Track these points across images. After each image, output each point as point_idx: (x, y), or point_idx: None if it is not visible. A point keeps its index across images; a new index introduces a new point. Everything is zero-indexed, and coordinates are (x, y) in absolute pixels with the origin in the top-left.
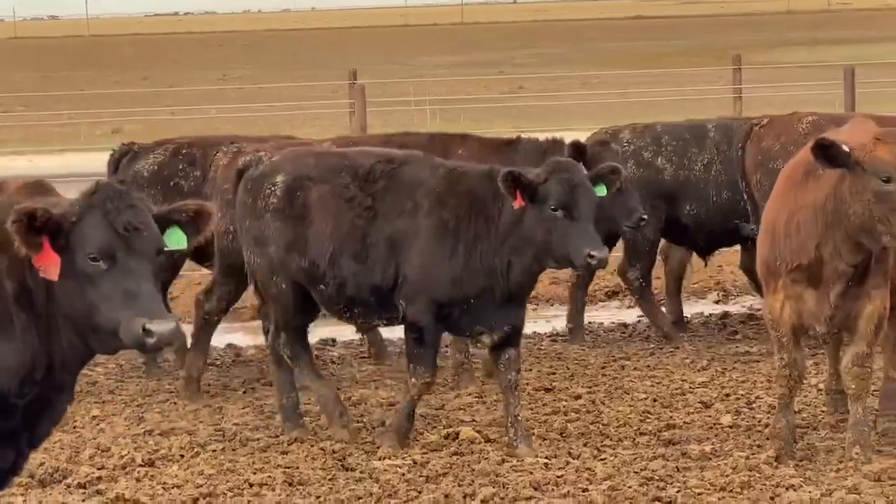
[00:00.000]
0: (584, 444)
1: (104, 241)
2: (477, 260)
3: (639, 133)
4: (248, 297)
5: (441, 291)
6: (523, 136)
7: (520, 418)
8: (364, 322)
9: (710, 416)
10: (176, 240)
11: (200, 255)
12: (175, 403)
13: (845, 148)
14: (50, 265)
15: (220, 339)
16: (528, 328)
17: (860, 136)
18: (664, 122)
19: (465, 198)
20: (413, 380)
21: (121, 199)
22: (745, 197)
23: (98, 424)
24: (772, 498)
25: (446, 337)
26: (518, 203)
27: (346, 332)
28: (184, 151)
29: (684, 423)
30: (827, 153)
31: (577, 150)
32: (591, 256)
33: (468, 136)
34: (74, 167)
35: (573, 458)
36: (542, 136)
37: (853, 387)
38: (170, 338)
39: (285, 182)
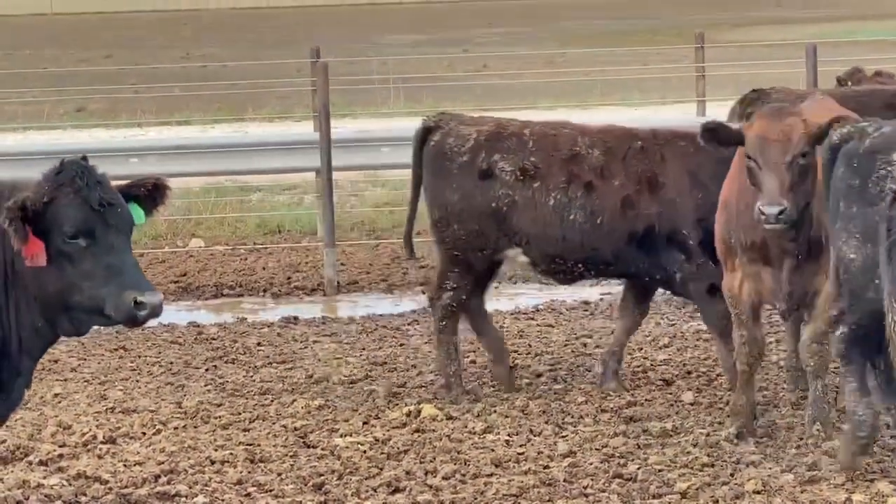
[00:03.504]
0: (546, 422)
1: (82, 218)
2: None
3: None
4: None
5: None
6: None
7: None
8: None
9: (671, 394)
10: (135, 216)
11: None
12: (137, 381)
13: (736, 126)
14: (38, 253)
15: (182, 317)
16: (490, 306)
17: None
18: None
19: None
20: None
21: (90, 176)
22: None
23: (60, 402)
24: (732, 474)
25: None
26: None
27: (307, 311)
28: None
29: (646, 400)
30: (715, 136)
31: None
32: None
33: None
34: (41, 146)
35: (535, 436)
36: None
37: (811, 364)
38: (160, 309)
39: None
